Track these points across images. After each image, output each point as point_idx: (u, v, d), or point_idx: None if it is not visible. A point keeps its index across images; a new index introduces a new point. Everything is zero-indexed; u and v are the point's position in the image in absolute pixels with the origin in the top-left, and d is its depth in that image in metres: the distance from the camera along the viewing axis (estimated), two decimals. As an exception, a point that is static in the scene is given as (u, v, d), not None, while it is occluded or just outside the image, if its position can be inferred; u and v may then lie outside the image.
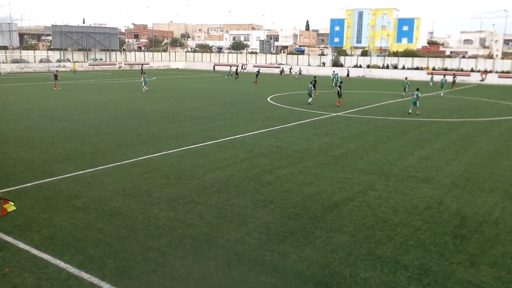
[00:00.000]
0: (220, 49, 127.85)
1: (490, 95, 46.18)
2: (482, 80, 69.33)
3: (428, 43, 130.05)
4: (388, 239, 9.39)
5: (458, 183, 13.61)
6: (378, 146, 18.68)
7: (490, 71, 72.53)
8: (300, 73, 71.54)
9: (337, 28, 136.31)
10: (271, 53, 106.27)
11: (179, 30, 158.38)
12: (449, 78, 52.34)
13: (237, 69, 65.84)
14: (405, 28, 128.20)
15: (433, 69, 77.21)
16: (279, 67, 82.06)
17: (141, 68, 61.37)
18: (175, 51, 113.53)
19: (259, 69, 64.51)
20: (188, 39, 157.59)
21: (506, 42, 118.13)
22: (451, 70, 75.56)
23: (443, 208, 11.38)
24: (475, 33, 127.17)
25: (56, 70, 45.35)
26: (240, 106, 31.97)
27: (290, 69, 77.72)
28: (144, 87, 41.10)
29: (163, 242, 8.95)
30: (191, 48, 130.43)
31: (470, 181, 13.87)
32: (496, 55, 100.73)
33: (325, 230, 9.80)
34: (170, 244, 8.87)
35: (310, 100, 33.92)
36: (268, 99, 36.94)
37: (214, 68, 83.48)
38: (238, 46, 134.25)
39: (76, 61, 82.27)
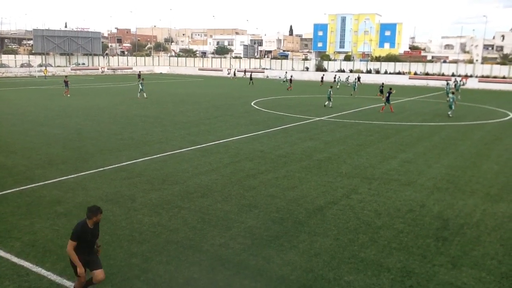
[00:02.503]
0: (204, 54, 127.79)
1: (470, 99, 46.94)
2: (463, 84, 70.36)
3: (410, 48, 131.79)
4: (371, 242, 9.47)
5: (440, 186, 13.80)
6: (361, 150, 18.84)
7: (471, 76, 73.78)
8: (338, 81, 62.31)
9: (320, 33, 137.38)
10: (255, 58, 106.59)
11: (162, 35, 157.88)
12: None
13: (251, 75, 67.39)
14: (387, 33, 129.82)
15: (415, 73, 78.24)
16: (263, 71, 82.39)
17: (139, 74, 60.72)
18: (158, 56, 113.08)
19: (291, 76, 62.89)
20: (172, 43, 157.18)
21: (486, 47, 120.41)
22: (433, 74, 76.72)
23: (425, 211, 11.52)
24: (456, 38, 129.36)
25: (66, 76, 44.25)
26: (224, 110, 31.96)
27: (347, 78, 69.86)
28: (144, 94, 39.73)
29: (147, 247, 8.89)
30: (174, 53, 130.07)
31: (452, 184, 14.07)
32: (476, 60, 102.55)
33: (309, 234, 9.84)
34: (154, 249, 8.82)
35: (327, 103, 35.29)
36: (252, 103, 37.01)
37: (234, 73, 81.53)
38: (222, 51, 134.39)
39: (58, 66, 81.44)
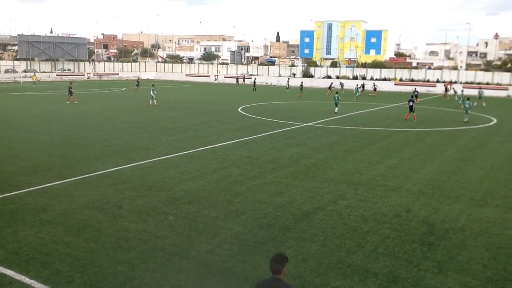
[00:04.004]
0: (191, 60, 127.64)
1: (455, 105, 47.49)
2: (448, 90, 71.17)
3: (395, 54, 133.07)
4: (358, 248, 9.50)
5: (426, 191, 13.91)
6: (347, 156, 18.93)
7: (455, 82, 74.66)
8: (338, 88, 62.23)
9: (307, 40, 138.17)
10: (242, 64, 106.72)
11: (149, 41, 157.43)
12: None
13: (255, 81, 67.42)
14: (373, 40, 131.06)
15: (400, 80, 79.03)
16: (250, 78, 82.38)
17: (137, 81, 59.97)
18: (145, 62, 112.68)
19: (302, 82, 62.07)
20: (159, 49, 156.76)
21: (470, 54, 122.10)
22: (418, 81, 77.55)
23: (411, 216, 11.60)
24: (440, 45, 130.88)
25: (71, 83, 43.12)
26: (212, 116, 31.92)
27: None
28: (154, 101, 38.97)
29: (133, 255, 8.81)
30: (161, 59, 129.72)
31: (437, 189, 14.20)
32: (461, 66, 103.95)
33: (296, 239, 9.84)
34: (140, 257, 8.74)
35: (336, 109, 35.80)
36: (239, 109, 37.02)
37: (237, 81, 79.86)
38: (209, 57, 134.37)
39: (43, 71, 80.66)
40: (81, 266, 8.27)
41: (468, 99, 34.12)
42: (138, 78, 66.10)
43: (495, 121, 33.52)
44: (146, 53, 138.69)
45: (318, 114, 34.56)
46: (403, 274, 8.38)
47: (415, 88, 54.59)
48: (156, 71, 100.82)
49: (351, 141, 22.65)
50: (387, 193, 13.58)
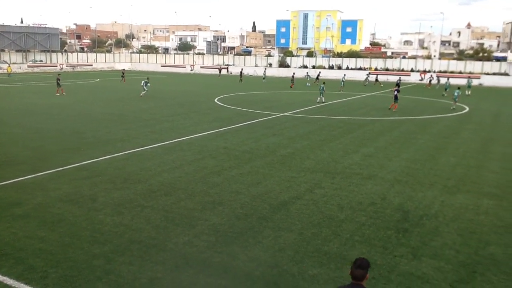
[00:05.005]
0: (166, 50, 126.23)
1: (429, 94, 48.28)
2: (422, 79, 72.33)
3: (370, 44, 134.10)
4: (335, 236, 9.61)
5: (400, 179, 14.14)
6: (324, 145, 19.08)
7: (429, 71, 75.83)
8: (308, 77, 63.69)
9: (283, 29, 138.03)
10: (218, 54, 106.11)
11: (123, 31, 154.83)
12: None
13: (241, 71, 66.19)
14: (349, 29, 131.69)
15: (375, 69, 79.80)
16: (225, 67, 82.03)
17: (123, 72, 58.73)
18: (119, 52, 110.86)
19: (294, 73, 61.42)
20: (133, 39, 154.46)
21: (443, 43, 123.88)
22: (393, 70, 78.48)
23: (386, 204, 11.78)
24: (414, 34, 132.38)
25: (59, 74, 41.78)
26: (188, 107, 31.70)
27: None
28: (144, 92, 38.38)
29: (109, 248, 8.72)
30: (136, 49, 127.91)
31: (411, 177, 14.44)
32: (434, 56, 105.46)
33: (273, 229, 9.89)
34: (116, 250, 8.65)
35: (319, 98, 36.46)
36: (216, 100, 36.86)
37: (220, 71, 78.35)
38: (184, 47, 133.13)
39: (14, 63, 78.61)
40: (55, 261, 8.15)
41: (458, 88, 35.66)
42: (123, 69, 64.40)
43: (467, 109, 34.21)
44: (121, 44, 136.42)
45: (295, 104, 34.67)
46: (378, 260, 8.51)
47: (400, 78, 56.13)
48: (130, 62, 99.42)
49: (328, 131, 22.81)
50: (362, 181, 13.74)
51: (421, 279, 7.90)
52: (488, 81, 68.36)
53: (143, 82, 39.37)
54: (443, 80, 56.65)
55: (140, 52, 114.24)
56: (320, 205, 11.55)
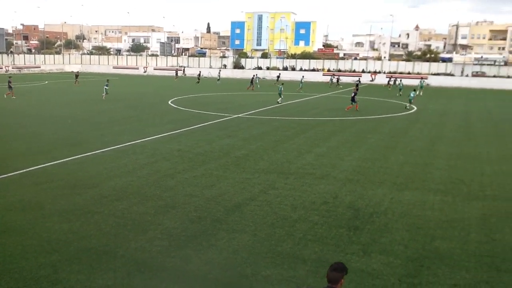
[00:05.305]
0: (118, 52, 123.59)
1: (379, 94, 49.65)
2: (372, 80, 74.32)
3: (323, 45, 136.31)
4: (288, 236, 9.71)
5: (352, 178, 14.46)
6: (278, 146, 19.24)
7: (379, 72, 78.03)
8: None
9: (237, 31, 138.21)
10: (172, 56, 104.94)
11: (73, 32, 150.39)
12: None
13: (200, 73, 65.25)
14: (302, 31, 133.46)
15: (328, 70, 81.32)
16: (180, 69, 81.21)
17: (76, 74, 56.64)
18: (69, 54, 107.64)
19: (256, 74, 59.43)
20: (84, 41, 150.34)
21: (393, 44, 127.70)
22: (345, 71, 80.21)
23: (338, 202, 12.02)
24: (365, 36, 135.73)
25: (10, 77, 39.65)
26: (141, 110, 31.17)
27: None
28: (105, 94, 37.88)
29: (57, 257, 8.42)
30: (87, 51, 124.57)
31: (362, 175, 14.80)
32: (384, 57, 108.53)
33: (227, 231, 9.87)
34: (64, 259, 8.37)
35: (280, 99, 36.76)
36: (170, 102, 36.43)
37: (176, 73, 75.47)
38: (137, 48, 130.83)
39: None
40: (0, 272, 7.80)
41: (414, 90, 37.56)
42: (78, 71, 61.92)
43: (415, 109, 35.41)
44: (70, 45, 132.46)
45: (249, 106, 34.78)
46: (331, 258, 8.65)
47: (358, 79, 57.75)
48: (81, 63, 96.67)
49: (281, 131, 23.03)
50: (315, 181, 13.95)
51: (372, 275, 8.10)
52: (435, 81, 71.08)
53: (105, 85, 38.74)
54: (403, 81, 58.56)
55: (91, 53, 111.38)
56: (274, 205, 11.63)
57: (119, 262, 8.31)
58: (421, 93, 49.00)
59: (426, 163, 16.81)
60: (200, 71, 70.31)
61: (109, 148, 18.08)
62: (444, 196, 12.80)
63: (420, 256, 8.88)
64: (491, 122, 28.91)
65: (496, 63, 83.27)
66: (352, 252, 9.00)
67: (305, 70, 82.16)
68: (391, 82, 63.81)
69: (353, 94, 33.60)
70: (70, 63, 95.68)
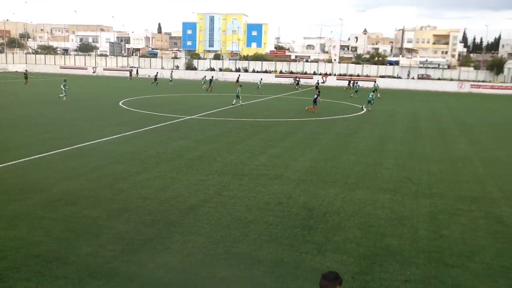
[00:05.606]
0: (66, 51, 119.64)
1: (330, 96, 50.65)
2: (323, 82, 75.73)
3: (275, 47, 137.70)
4: (243, 237, 9.73)
5: (305, 178, 14.68)
6: (231, 147, 19.25)
7: (330, 74, 79.68)
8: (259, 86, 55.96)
9: (189, 32, 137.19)
10: (123, 56, 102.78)
11: (17, 30, 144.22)
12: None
13: (156, 74, 64.26)
14: (254, 33, 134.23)
15: (280, 72, 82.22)
16: (131, 70, 79.72)
17: (25, 73, 53.61)
18: (13, 53, 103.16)
19: (212, 76, 59.02)
20: (29, 39, 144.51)
21: (342, 47, 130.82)
22: (297, 73, 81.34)
23: (292, 202, 12.17)
24: (316, 39, 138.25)
25: None
26: (90, 111, 30.32)
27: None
28: (64, 97, 36.35)
29: (3, 265, 8.04)
30: (32, 50, 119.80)
31: (315, 175, 15.06)
32: (335, 59, 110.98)
33: (182, 234, 9.78)
34: (11, 267, 8.01)
35: (235, 101, 36.86)
36: (120, 103, 35.66)
37: (130, 74, 74.25)
38: (86, 48, 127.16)
39: None
40: None
41: (373, 91, 40.28)
42: (26, 71, 58.81)
43: (365, 110, 36.41)
44: (14, 44, 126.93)
45: (202, 107, 34.60)
46: (286, 258, 8.76)
47: (318, 81, 59.46)
48: (26, 63, 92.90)
49: (235, 133, 23.05)
50: (269, 182, 14.06)
51: (326, 273, 8.24)
52: (383, 83, 73.34)
53: (62, 85, 37.32)
54: (360, 83, 60.32)
55: (36, 52, 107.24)
56: (228, 207, 11.63)
57: (70, 268, 8.05)
58: (378, 95, 50.39)
59: (376, 162, 17.32)
60: (157, 72, 69.22)
61: (57, 151, 17.47)
62: (394, 194, 13.24)
63: (372, 254, 9.14)
64: (436, 123, 30.17)
65: (440, 66, 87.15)
66: (306, 251, 9.13)
67: (257, 71, 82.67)
68: (351, 85, 65.27)
69: (315, 96, 34.27)
70: (14, 62, 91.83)
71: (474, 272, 8.50)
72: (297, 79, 68.46)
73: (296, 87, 63.60)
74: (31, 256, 8.45)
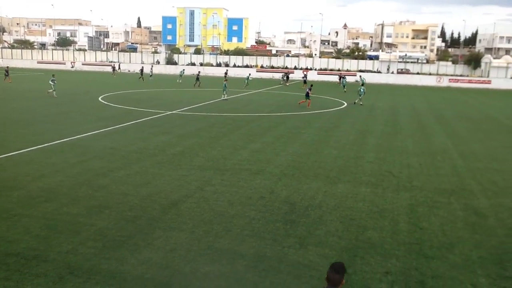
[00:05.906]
0: (43, 46, 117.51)
1: (298, 89, 50.69)
2: (305, 76, 75.88)
3: (256, 42, 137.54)
4: (226, 232, 9.72)
5: (287, 172, 14.72)
6: (213, 142, 19.18)
7: (311, 69, 79.96)
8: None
9: (169, 26, 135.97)
10: (102, 50, 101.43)
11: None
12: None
13: (142, 69, 62.46)
14: (235, 27, 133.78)
15: (262, 66, 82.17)
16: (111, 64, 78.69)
17: (6, 70, 51.76)
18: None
19: (199, 72, 57.81)
20: (4, 33, 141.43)
21: (323, 42, 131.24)
22: (278, 68, 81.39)
23: (274, 197, 12.19)
24: (297, 34, 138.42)
25: None
26: (70, 106, 29.86)
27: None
28: (54, 92, 35.55)
29: (-20, 264, 7.90)
30: (8, 44, 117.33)
31: (297, 170, 15.11)
32: (315, 54, 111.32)
33: (164, 229, 9.72)
34: (-11, 265, 7.87)
35: (226, 96, 37.08)
36: (100, 98, 35.21)
37: (113, 69, 72.65)
38: (64, 43, 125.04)
39: None
40: None
41: (362, 84, 41.01)
42: (7, 66, 56.97)
43: (345, 104, 36.66)
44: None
45: (184, 102, 34.39)
46: (268, 252, 8.78)
47: (305, 75, 59.97)
48: (1, 58, 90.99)
49: (217, 128, 22.98)
50: (251, 177, 14.07)
51: (308, 266, 8.30)
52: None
53: (51, 80, 36.51)
54: (349, 78, 60.64)
55: (12, 47, 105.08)
56: (211, 202, 11.59)
57: (50, 266, 7.93)
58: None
59: (357, 156, 17.46)
60: (142, 67, 67.92)
61: (35, 147, 17.18)
62: (375, 188, 13.37)
63: (354, 247, 9.23)
64: (415, 117, 30.53)
65: (419, 61, 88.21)
66: (289, 245, 9.17)
67: (238, 66, 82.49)
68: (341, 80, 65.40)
69: (308, 90, 34.41)
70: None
71: (454, 263, 8.65)
72: (287, 74, 66.68)
73: (283, 82, 62.15)
74: (10, 254, 8.30)
